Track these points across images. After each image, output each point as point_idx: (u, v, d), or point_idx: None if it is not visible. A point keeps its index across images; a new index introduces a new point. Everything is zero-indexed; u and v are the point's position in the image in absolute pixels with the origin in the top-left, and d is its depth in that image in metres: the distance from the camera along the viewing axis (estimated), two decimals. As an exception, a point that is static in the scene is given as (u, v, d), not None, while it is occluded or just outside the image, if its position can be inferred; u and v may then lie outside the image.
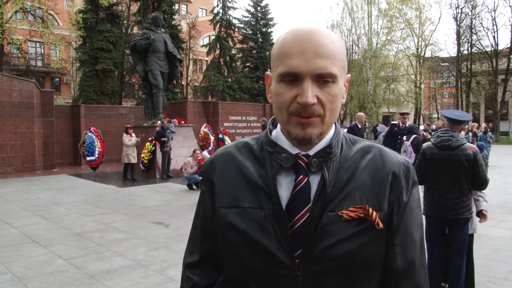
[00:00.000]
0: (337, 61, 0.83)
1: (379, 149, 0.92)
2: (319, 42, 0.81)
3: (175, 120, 12.10)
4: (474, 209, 3.63)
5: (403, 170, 0.89)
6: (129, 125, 11.98)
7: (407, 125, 9.23)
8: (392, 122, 9.33)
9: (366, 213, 0.83)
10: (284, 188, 0.87)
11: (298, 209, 0.85)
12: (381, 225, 0.84)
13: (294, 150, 0.88)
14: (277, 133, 0.92)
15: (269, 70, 0.94)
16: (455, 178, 3.38)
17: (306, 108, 0.81)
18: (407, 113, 9.77)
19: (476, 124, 14.83)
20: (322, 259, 0.83)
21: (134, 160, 11.37)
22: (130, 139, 11.30)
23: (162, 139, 11.48)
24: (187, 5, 43.97)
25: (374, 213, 0.84)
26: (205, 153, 11.41)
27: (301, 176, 0.86)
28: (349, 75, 0.92)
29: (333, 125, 0.92)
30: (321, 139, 0.88)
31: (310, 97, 0.80)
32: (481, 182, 3.36)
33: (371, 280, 0.87)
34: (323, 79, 0.81)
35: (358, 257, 0.83)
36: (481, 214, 3.54)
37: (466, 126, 13.61)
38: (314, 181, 0.86)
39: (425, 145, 3.65)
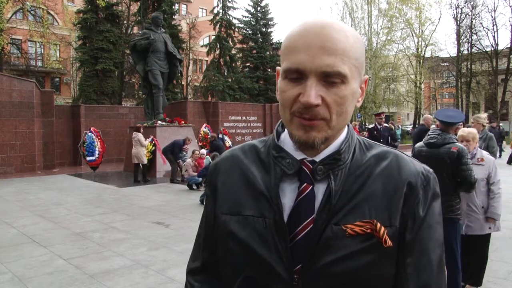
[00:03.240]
0: (349, 60, 0.74)
1: (396, 156, 0.83)
2: (328, 36, 0.73)
3: (186, 153, 11.72)
4: (478, 209, 3.61)
5: (421, 180, 0.80)
6: (140, 124, 11.71)
7: (384, 125, 8.90)
8: (369, 126, 8.74)
9: (373, 228, 0.75)
10: (288, 197, 0.80)
11: (300, 220, 0.78)
12: (389, 242, 0.75)
13: (299, 155, 0.81)
14: (284, 137, 0.86)
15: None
16: (438, 176, 3.38)
17: (308, 109, 0.73)
18: (383, 113, 9.50)
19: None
20: (323, 276, 0.76)
21: (145, 160, 11.19)
22: (145, 139, 11.13)
23: (180, 161, 11.17)
24: (187, 5, 43.97)
25: (383, 229, 0.75)
26: (203, 151, 11.34)
27: (305, 184, 0.79)
28: (367, 76, 0.84)
29: (346, 128, 0.84)
30: (328, 144, 0.81)
31: (312, 97, 0.72)
32: (465, 182, 3.29)
33: None
34: (330, 78, 0.73)
35: (362, 277, 0.75)
36: (489, 219, 3.58)
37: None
38: (320, 190, 0.79)
39: (417, 144, 3.72)
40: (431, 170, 0.84)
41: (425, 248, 0.79)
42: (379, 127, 8.55)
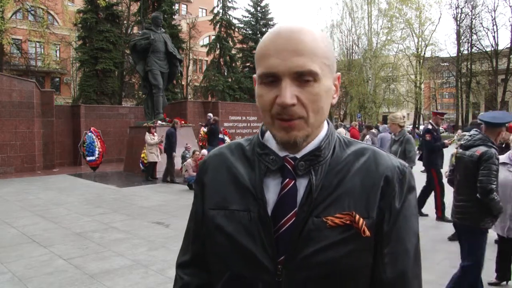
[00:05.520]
0: (318, 59, 0.79)
1: (373, 152, 0.87)
2: (297, 39, 0.78)
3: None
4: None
5: (397, 174, 0.84)
6: (152, 125, 11.90)
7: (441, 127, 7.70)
8: (428, 127, 7.10)
9: (352, 220, 0.79)
10: (272, 191, 0.84)
11: (283, 213, 0.82)
12: (367, 233, 0.79)
13: (282, 153, 0.85)
14: (268, 135, 0.90)
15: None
16: (463, 179, 3.26)
17: (286, 110, 0.78)
18: (445, 113, 7.98)
19: None
20: (305, 266, 0.80)
21: (158, 158, 11.31)
22: (153, 138, 11.26)
23: (174, 153, 11.07)
24: (187, 5, 43.97)
25: (361, 220, 0.79)
26: (204, 151, 11.36)
27: (287, 179, 0.83)
28: (339, 73, 0.89)
29: (326, 126, 0.89)
30: (309, 141, 0.85)
31: (288, 97, 0.76)
32: (480, 188, 3.08)
33: None
34: (303, 78, 0.78)
35: (343, 266, 0.79)
36: None
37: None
38: (302, 185, 0.83)
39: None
40: (407, 164, 0.88)
41: (401, 238, 0.84)
42: (436, 127, 7.32)
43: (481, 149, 3.14)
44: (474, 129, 3.42)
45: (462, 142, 3.37)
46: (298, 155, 0.85)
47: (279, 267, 0.81)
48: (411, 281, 0.84)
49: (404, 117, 5.25)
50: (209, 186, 0.92)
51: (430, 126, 7.08)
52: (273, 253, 0.81)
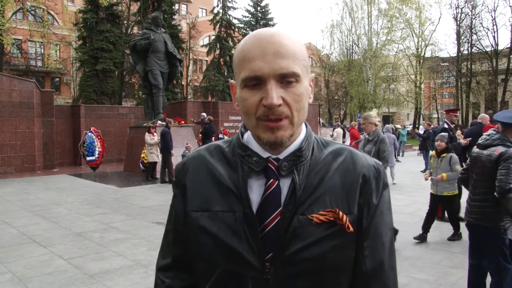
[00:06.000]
0: (299, 61, 0.83)
1: (350, 152, 0.92)
2: (279, 43, 0.81)
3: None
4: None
5: (373, 172, 0.89)
6: (151, 125, 11.88)
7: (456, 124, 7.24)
8: (444, 126, 6.77)
9: (336, 216, 0.83)
10: (255, 192, 0.87)
11: (268, 212, 0.84)
12: (351, 228, 0.84)
13: (265, 154, 0.88)
14: (248, 137, 0.92)
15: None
16: (480, 178, 3.22)
17: (272, 110, 0.80)
18: (458, 109, 8.05)
19: None
20: (292, 263, 0.83)
21: (157, 158, 11.27)
22: (152, 138, 11.23)
23: (173, 151, 11.02)
24: (187, 5, 43.97)
25: (345, 216, 0.84)
26: None
27: (272, 180, 0.86)
28: (313, 74, 0.92)
29: (304, 128, 0.92)
30: (293, 140, 0.88)
31: (275, 98, 0.79)
32: (498, 186, 3.02)
33: (342, 284, 0.87)
34: (287, 79, 0.81)
35: (328, 261, 0.83)
36: None
37: None
38: (285, 184, 0.86)
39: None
40: (380, 163, 0.94)
41: (379, 232, 0.89)
42: (452, 126, 6.94)
43: (500, 148, 3.11)
44: (492, 128, 3.39)
45: (479, 142, 3.32)
46: (281, 156, 0.87)
47: (267, 265, 0.83)
48: (387, 272, 0.90)
49: (377, 116, 5.18)
50: (190, 188, 0.93)
51: (446, 125, 6.88)
52: (260, 252, 0.83)
